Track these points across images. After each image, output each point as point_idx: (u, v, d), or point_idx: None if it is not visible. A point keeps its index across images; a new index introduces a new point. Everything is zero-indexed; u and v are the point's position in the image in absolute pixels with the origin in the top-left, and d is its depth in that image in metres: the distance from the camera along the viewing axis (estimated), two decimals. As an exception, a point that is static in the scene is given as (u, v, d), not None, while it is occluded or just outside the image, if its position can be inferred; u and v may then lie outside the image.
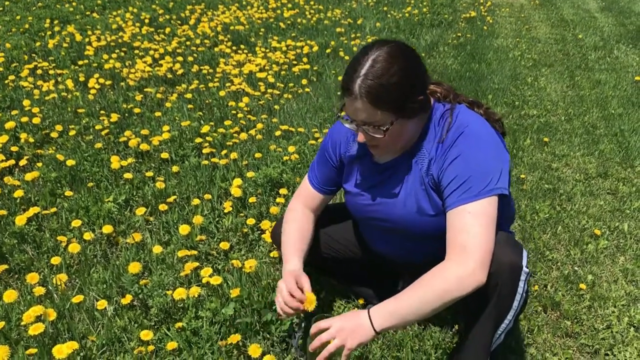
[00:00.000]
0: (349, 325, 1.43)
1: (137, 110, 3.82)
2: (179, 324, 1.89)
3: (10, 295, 1.93)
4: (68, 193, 2.72)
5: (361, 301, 2.14)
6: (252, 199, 2.73)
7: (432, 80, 1.63)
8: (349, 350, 1.42)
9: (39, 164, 3.02)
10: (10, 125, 3.29)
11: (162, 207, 2.64)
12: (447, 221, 1.48)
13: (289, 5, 7.82)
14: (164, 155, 3.16)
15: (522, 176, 3.29)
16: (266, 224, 2.48)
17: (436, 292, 1.40)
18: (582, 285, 2.31)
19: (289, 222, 1.84)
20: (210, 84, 4.43)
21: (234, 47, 5.65)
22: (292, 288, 1.64)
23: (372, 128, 1.49)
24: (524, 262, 1.53)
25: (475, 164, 1.47)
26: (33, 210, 2.49)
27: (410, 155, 1.61)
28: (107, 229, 2.40)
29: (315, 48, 5.62)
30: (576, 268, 2.48)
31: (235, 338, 1.82)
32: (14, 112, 3.57)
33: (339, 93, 1.54)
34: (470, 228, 1.42)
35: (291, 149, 3.22)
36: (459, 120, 1.54)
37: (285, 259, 1.76)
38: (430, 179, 1.57)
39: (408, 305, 1.43)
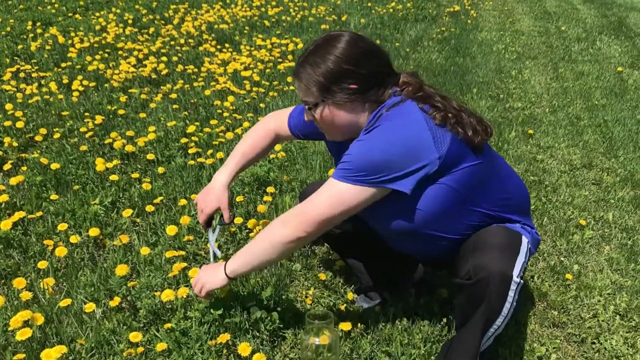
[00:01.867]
0: (208, 272, 1.74)
1: (121, 111, 3.80)
2: (168, 325, 1.89)
3: (-3, 301, 1.92)
4: (54, 196, 2.70)
5: (350, 296, 2.15)
6: (239, 198, 2.73)
7: (407, 77, 1.64)
8: (205, 290, 1.73)
9: (24, 168, 3.00)
10: (-7, 129, 3.26)
11: (149, 208, 2.63)
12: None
13: (273, 3, 7.80)
14: (150, 156, 3.15)
15: (508, 169, 3.31)
16: (253, 223, 2.48)
17: (268, 240, 1.61)
18: (568, 276, 2.34)
19: (252, 131, 2.02)
20: (195, 84, 4.42)
21: (218, 46, 5.63)
22: (202, 211, 1.91)
23: (308, 107, 1.61)
24: (516, 272, 1.51)
25: (366, 151, 1.50)
26: (18, 215, 2.47)
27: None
28: (94, 231, 2.39)
29: (300, 45, 5.61)
30: (562, 258, 2.50)
31: (224, 337, 1.82)
32: (-3, 116, 3.54)
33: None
34: (322, 194, 1.56)
35: (277, 147, 3.22)
36: (388, 114, 1.53)
37: (224, 164, 1.97)
38: None
39: (249, 252, 1.67)
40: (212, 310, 1.89)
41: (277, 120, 1.99)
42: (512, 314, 1.55)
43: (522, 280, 1.53)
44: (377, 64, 1.58)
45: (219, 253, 1.99)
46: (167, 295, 1.96)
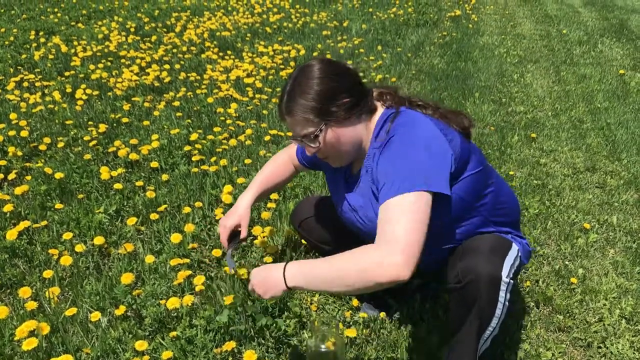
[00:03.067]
0: (264, 277, 1.49)
1: (125, 119, 3.81)
2: (174, 333, 1.89)
3: (2, 311, 1.92)
4: (58, 205, 2.71)
5: (355, 303, 2.14)
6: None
7: (382, 87, 1.69)
8: (268, 297, 1.49)
9: (28, 178, 3.01)
10: (-3, 139, 3.28)
11: (153, 216, 2.64)
12: (378, 216, 1.43)
13: (275, 10, 7.82)
14: (154, 164, 3.16)
15: (511, 173, 3.32)
16: (258, 230, 2.48)
17: (354, 267, 1.34)
18: (573, 280, 2.33)
19: (271, 160, 2.07)
20: (198, 91, 4.43)
21: (220, 53, 5.65)
22: (225, 226, 1.93)
23: (308, 139, 1.57)
24: (505, 272, 1.51)
25: (399, 163, 1.46)
26: (23, 224, 2.47)
27: (361, 162, 1.65)
28: (99, 240, 2.40)
29: (302, 52, 5.63)
30: (567, 262, 2.50)
31: (230, 345, 1.82)
32: (0, 126, 3.55)
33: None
34: (396, 220, 1.36)
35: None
36: (395, 124, 1.54)
37: (246, 189, 2.01)
38: (374, 186, 1.58)
39: (323, 271, 1.40)
40: (217, 319, 1.89)
41: (289, 152, 2.06)
42: (505, 314, 1.55)
43: (512, 281, 1.53)
44: (354, 78, 1.60)
45: (234, 265, 2.00)
46: (172, 303, 1.96)
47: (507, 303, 1.53)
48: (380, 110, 1.63)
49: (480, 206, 1.65)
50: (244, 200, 1.97)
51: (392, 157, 1.49)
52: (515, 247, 1.65)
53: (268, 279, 1.47)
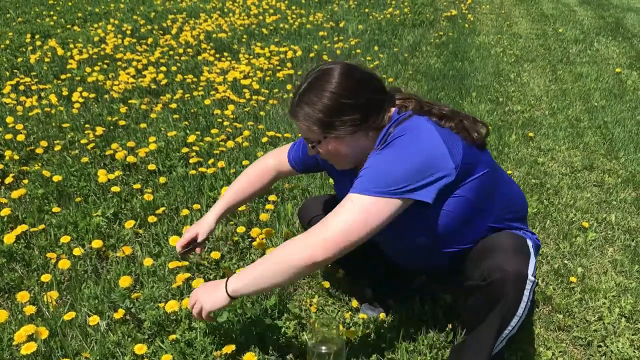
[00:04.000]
0: (207, 291, 1.58)
1: (122, 122, 3.80)
2: (173, 336, 1.88)
3: (0, 316, 1.91)
4: (56, 209, 2.70)
5: (355, 304, 2.14)
6: (241, 207, 2.72)
7: (402, 95, 1.65)
8: (205, 312, 1.56)
9: (25, 181, 3.00)
10: (-6, 143, 3.27)
11: (151, 219, 2.63)
12: None
13: (271, 11, 7.82)
14: (151, 166, 3.15)
15: (509, 172, 3.32)
16: (256, 232, 2.48)
17: (281, 261, 1.47)
18: (573, 279, 2.33)
19: (249, 168, 2.03)
20: (195, 93, 4.42)
21: (217, 55, 5.64)
22: (185, 238, 1.92)
23: (311, 145, 1.60)
24: (530, 271, 1.51)
25: (383, 164, 1.47)
26: (21, 228, 2.47)
27: (362, 166, 1.63)
28: (97, 243, 2.39)
29: (299, 52, 5.63)
30: (566, 261, 2.50)
31: (229, 348, 1.81)
32: (-3, 130, 3.54)
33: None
34: (343, 212, 1.45)
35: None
36: (398, 130, 1.53)
37: (216, 202, 1.99)
38: None
39: (256, 272, 1.51)
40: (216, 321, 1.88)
41: (277, 158, 2.01)
42: (526, 314, 1.54)
43: (536, 280, 1.53)
44: (374, 91, 1.57)
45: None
46: (171, 306, 1.95)
47: (529, 303, 1.53)
48: (391, 114, 1.61)
49: (492, 206, 1.64)
50: (211, 213, 1.96)
51: (380, 157, 1.50)
52: (530, 243, 1.64)
53: (212, 289, 1.57)
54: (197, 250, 1.96)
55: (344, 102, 1.52)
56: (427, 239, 1.63)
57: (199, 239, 1.94)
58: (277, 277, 1.49)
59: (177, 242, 1.95)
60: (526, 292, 1.50)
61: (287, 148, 2.00)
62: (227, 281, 1.55)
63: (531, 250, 1.61)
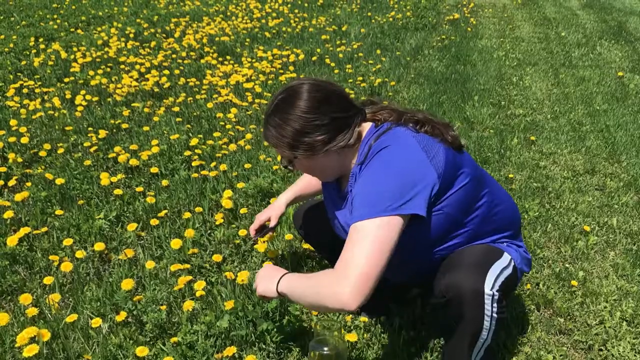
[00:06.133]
0: (265, 276, 1.63)
1: (125, 125, 3.82)
2: (174, 339, 1.89)
3: (2, 318, 1.92)
4: (58, 212, 2.71)
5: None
6: (243, 210, 2.73)
7: (375, 107, 1.67)
8: (257, 293, 1.64)
9: (28, 184, 3.01)
10: (-3, 145, 3.29)
11: (154, 221, 2.64)
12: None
13: (274, 15, 7.84)
14: (154, 169, 3.16)
15: (511, 176, 3.32)
16: (258, 235, 2.48)
17: (314, 290, 1.46)
18: (574, 282, 2.33)
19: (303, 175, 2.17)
20: (198, 96, 4.44)
21: (220, 58, 5.66)
22: (258, 218, 2.15)
23: (285, 161, 1.65)
24: (489, 284, 1.49)
25: (372, 185, 1.47)
26: (24, 231, 2.48)
27: (347, 180, 1.65)
28: (99, 246, 2.40)
29: (301, 56, 5.64)
30: (567, 265, 2.50)
31: (231, 350, 1.82)
32: (1, 133, 3.56)
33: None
34: (357, 247, 1.40)
35: (279, 157, 3.23)
36: (377, 144, 1.54)
37: (287, 189, 2.18)
38: (352, 207, 1.57)
39: (300, 289, 1.53)
40: (217, 324, 1.89)
41: None
42: (496, 324, 1.53)
43: (498, 293, 1.50)
44: (339, 109, 1.57)
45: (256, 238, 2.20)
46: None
47: (495, 315, 1.51)
48: (367, 128, 1.62)
49: (470, 221, 1.63)
50: (282, 198, 2.16)
51: (366, 179, 1.51)
52: (506, 257, 1.63)
53: (269, 277, 1.61)
54: (270, 234, 2.18)
55: (309, 124, 1.53)
56: (413, 253, 1.63)
57: (272, 223, 2.14)
58: (314, 306, 1.53)
59: (250, 227, 2.16)
60: (487, 307, 1.49)
61: None
62: (281, 278, 1.58)
63: (500, 262, 1.59)
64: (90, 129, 3.77)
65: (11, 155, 3.25)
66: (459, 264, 1.55)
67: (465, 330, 1.53)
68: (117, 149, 3.39)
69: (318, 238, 2.16)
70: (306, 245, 2.44)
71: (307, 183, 2.14)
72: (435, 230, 1.58)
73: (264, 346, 1.91)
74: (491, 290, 1.49)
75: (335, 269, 1.42)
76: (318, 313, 2.13)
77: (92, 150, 3.41)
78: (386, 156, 1.50)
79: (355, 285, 1.35)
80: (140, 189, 2.95)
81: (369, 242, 1.40)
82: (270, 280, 1.60)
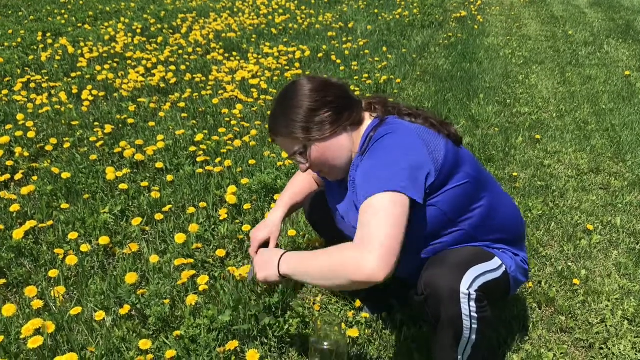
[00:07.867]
0: (262, 262, 1.61)
1: (131, 120, 3.84)
2: (177, 332, 1.91)
3: (9, 309, 1.95)
4: (64, 205, 2.74)
5: (358, 303, 2.16)
6: (247, 206, 2.75)
7: (372, 98, 1.71)
8: (259, 280, 1.61)
9: (35, 178, 3.04)
10: (4, 139, 3.31)
11: (158, 216, 2.66)
12: (358, 217, 1.45)
13: (280, 11, 7.85)
14: (159, 164, 3.18)
15: (515, 174, 3.32)
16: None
17: (334, 264, 1.40)
18: (576, 281, 2.34)
19: (297, 176, 2.08)
20: (203, 92, 4.45)
21: (226, 55, 5.67)
22: (256, 239, 1.91)
23: (299, 156, 1.62)
24: (466, 284, 1.48)
25: (377, 167, 1.48)
26: (30, 224, 2.50)
27: (349, 173, 1.66)
28: (104, 240, 2.42)
29: (307, 53, 5.65)
30: (570, 264, 2.50)
31: (233, 344, 1.83)
32: (8, 127, 3.59)
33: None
34: (375, 220, 1.38)
35: (284, 154, 3.24)
36: (377, 133, 1.56)
37: (275, 205, 2.01)
38: (355, 196, 1.59)
39: (308, 264, 1.49)
40: (219, 318, 1.91)
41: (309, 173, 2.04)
42: (478, 323, 1.51)
43: (476, 292, 1.49)
44: (339, 90, 1.63)
45: (252, 275, 1.98)
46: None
47: (475, 314, 1.49)
48: (368, 121, 1.65)
49: (463, 221, 1.62)
50: (276, 215, 1.97)
51: (370, 162, 1.52)
52: (496, 261, 1.62)
53: (268, 261, 1.59)
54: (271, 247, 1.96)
55: (319, 100, 1.58)
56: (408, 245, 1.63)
57: (271, 244, 1.92)
58: (327, 282, 1.46)
59: (249, 250, 1.94)
60: (463, 306, 1.48)
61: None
62: (280, 258, 1.56)
63: (485, 264, 1.58)
64: (96, 123, 3.79)
65: (18, 149, 3.27)
66: (441, 262, 1.56)
67: (445, 327, 1.52)
68: (122, 144, 3.41)
69: (330, 232, 2.14)
70: (309, 242, 2.45)
71: (297, 188, 2.04)
72: (428, 223, 1.58)
73: (265, 340, 1.93)
74: (467, 289, 1.48)
75: (355, 243, 1.39)
76: (319, 308, 2.14)
77: (98, 145, 3.44)
78: (387, 141, 1.52)
79: (381, 256, 1.32)
80: (145, 183, 2.97)
81: (385, 217, 1.38)
82: (269, 264, 1.58)
